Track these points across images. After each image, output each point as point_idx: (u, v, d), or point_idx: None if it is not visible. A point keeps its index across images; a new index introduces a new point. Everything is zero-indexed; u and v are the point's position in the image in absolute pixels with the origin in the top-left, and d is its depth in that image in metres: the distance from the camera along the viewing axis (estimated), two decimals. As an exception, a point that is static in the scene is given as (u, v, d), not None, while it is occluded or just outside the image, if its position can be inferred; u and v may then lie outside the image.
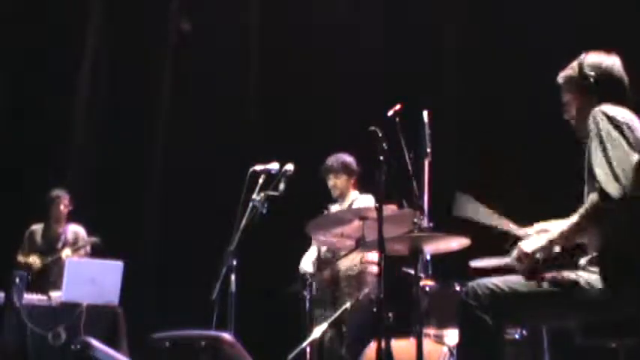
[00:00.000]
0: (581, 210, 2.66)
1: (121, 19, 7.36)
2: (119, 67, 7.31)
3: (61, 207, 6.18)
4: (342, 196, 4.95)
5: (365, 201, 4.78)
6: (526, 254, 2.73)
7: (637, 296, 2.67)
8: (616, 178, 2.56)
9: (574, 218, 2.68)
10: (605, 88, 2.85)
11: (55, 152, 7.16)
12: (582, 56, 2.94)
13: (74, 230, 6.22)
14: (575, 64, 2.95)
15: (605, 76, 2.87)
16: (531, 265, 2.74)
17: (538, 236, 2.82)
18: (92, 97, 7.42)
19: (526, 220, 3.37)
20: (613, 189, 2.55)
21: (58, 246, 6.12)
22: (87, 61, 7.44)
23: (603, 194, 2.57)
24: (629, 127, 2.70)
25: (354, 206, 4.76)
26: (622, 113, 2.75)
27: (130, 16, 7.30)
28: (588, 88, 2.88)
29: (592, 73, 2.87)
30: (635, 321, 2.69)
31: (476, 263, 3.33)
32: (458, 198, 3.07)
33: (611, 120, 2.69)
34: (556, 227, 2.78)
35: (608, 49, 2.94)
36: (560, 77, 2.99)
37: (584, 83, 2.88)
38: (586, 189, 2.82)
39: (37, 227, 6.27)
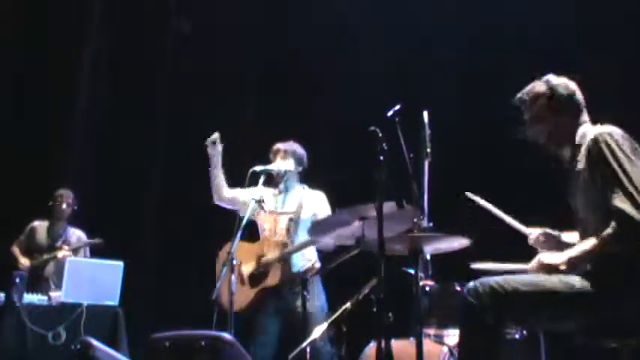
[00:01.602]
0: (607, 232, 2.67)
1: (121, 19, 7.36)
2: (119, 67, 7.31)
3: (64, 205, 6.21)
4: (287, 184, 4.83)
5: (317, 201, 4.73)
6: (545, 266, 2.77)
7: (636, 298, 2.67)
8: (638, 204, 2.62)
9: (596, 241, 2.71)
10: (572, 106, 2.96)
11: (55, 152, 7.16)
12: (548, 77, 3.03)
13: (78, 235, 6.26)
14: (541, 83, 3.02)
15: (571, 96, 2.97)
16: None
17: (558, 253, 2.84)
18: (92, 97, 7.43)
19: (526, 221, 3.38)
20: (639, 215, 2.60)
21: (58, 244, 6.16)
22: (87, 61, 7.44)
23: (628, 222, 2.61)
24: (635, 149, 2.78)
25: (306, 202, 4.71)
26: (622, 133, 2.81)
27: (130, 16, 7.30)
28: (561, 108, 2.96)
29: (564, 93, 2.96)
30: (636, 322, 2.70)
31: (477, 265, 3.36)
32: (468, 195, 3.38)
33: (618, 144, 2.75)
34: (577, 246, 2.81)
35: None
36: (527, 94, 3.05)
37: (558, 102, 2.96)
38: (581, 202, 2.85)
39: (39, 224, 6.29)
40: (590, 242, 2.74)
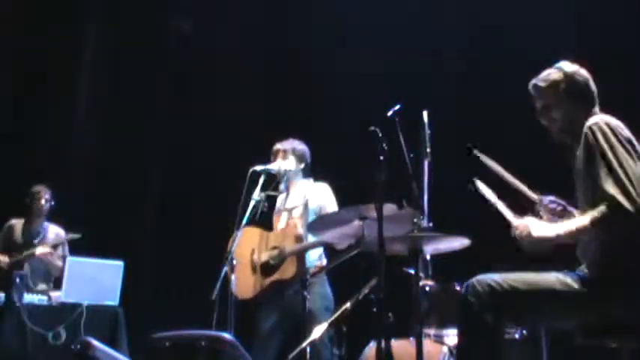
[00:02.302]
0: (593, 214, 2.67)
1: (121, 19, 7.36)
2: (119, 67, 7.31)
3: (42, 201, 6.13)
4: (289, 182, 4.83)
5: (321, 192, 4.70)
6: (530, 236, 2.75)
7: (635, 299, 2.67)
8: (628, 193, 2.60)
9: (585, 220, 2.70)
10: (587, 96, 2.94)
11: (55, 152, 7.16)
12: (566, 63, 3.00)
13: (55, 232, 6.18)
14: (559, 70, 2.99)
15: (586, 83, 2.96)
16: (532, 248, 2.77)
17: (548, 225, 2.82)
18: (92, 97, 7.43)
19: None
20: (628, 204, 2.59)
21: (36, 241, 6.09)
22: (87, 61, 7.44)
23: (617, 208, 2.60)
24: (629, 140, 2.76)
25: (312, 199, 4.67)
26: (619, 124, 2.79)
27: (130, 16, 7.30)
28: (576, 95, 2.93)
29: (580, 80, 2.94)
30: (636, 322, 2.70)
31: (482, 186, 3.28)
32: (479, 153, 3.40)
33: (614, 133, 2.74)
34: (565, 223, 2.80)
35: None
36: (542, 80, 3.01)
37: (573, 89, 2.93)
38: (580, 189, 2.84)
39: (16, 222, 6.22)
40: (579, 222, 2.73)
